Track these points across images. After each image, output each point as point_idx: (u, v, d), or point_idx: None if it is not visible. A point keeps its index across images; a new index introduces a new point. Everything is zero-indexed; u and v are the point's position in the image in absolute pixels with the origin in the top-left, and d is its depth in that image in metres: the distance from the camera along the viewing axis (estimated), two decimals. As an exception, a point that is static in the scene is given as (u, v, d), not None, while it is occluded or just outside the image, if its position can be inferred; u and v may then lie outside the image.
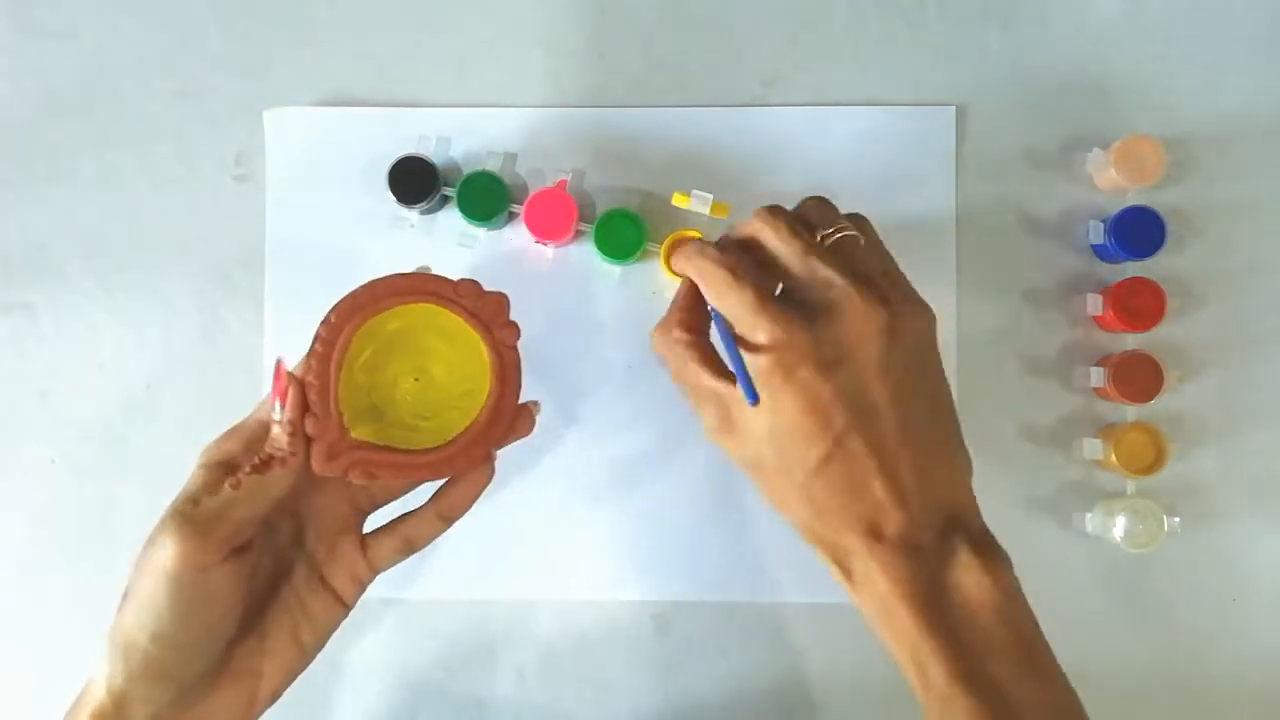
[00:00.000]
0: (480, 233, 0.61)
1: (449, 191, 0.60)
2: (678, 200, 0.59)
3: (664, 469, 0.61)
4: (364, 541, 0.47)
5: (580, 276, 0.62)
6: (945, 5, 0.63)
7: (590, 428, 0.61)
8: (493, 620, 0.61)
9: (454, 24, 0.63)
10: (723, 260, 0.46)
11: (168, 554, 0.41)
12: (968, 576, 0.43)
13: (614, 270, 0.61)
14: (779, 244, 0.46)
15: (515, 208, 0.60)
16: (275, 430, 0.43)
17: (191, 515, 0.41)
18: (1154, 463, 0.59)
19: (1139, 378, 0.59)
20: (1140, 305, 0.59)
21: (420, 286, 0.47)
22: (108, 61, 0.63)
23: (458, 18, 0.63)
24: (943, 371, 0.48)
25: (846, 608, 0.46)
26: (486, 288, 0.48)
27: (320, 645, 0.46)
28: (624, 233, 0.59)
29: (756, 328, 0.44)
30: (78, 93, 0.63)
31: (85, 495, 0.62)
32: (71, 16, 0.63)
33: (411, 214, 0.61)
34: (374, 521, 0.49)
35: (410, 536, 0.47)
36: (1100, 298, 0.60)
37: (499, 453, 0.48)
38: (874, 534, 0.43)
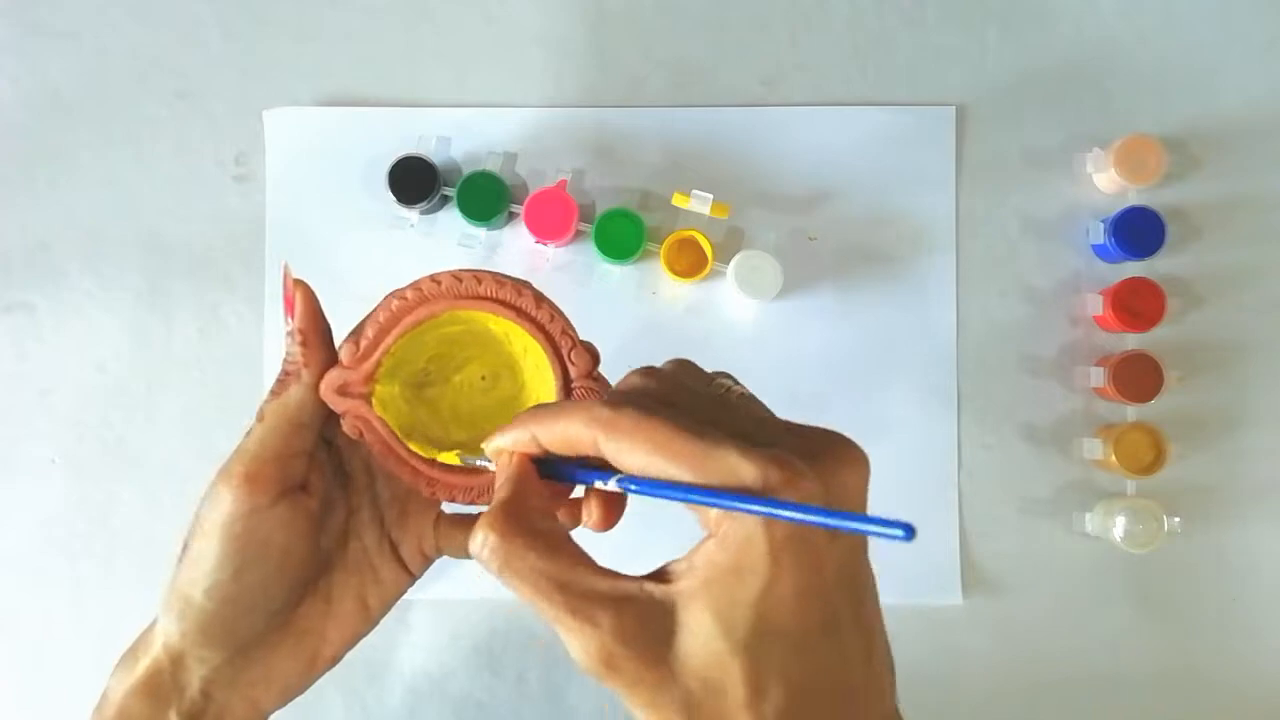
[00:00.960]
0: (480, 233, 0.61)
1: (449, 191, 0.60)
2: (678, 200, 0.59)
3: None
4: (440, 519, 0.44)
5: (580, 276, 0.62)
6: (945, 5, 0.63)
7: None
8: (493, 620, 0.61)
9: (454, 24, 0.63)
10: (646, 408, 0.32)
11: (218, 504, 0.39)
12: None
13: (614, 270, 0.61)
14: (689, 400, 0.34)
15: (515, 208, 0.60)
16: (287, 342, 0.41)
17: (233, 462, 0.39)
18: (1154, 463, 0.59)
19: (1139, 378, 0.59)
20: (1140, 305, 0.59)
21: (550, 332, 0.41)
22: (108, 61, 0.63)
23: (458, 18, 0.63)
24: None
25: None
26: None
27: (384, 612, 0.43)
28: (624, 233, 0.59)
29: (741, 481, 0.30)
30: (78, 93, 0.63)
31: (85, 495, 0.62)
32: (71, 16, 0.63)
33: (411, 214, 0.61)
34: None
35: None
36: (1100, 298, 0.60)
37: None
38: None
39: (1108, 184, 0.61)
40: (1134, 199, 0.60)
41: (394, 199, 0.60)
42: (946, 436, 0.61)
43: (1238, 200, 0.62)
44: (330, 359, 0.40)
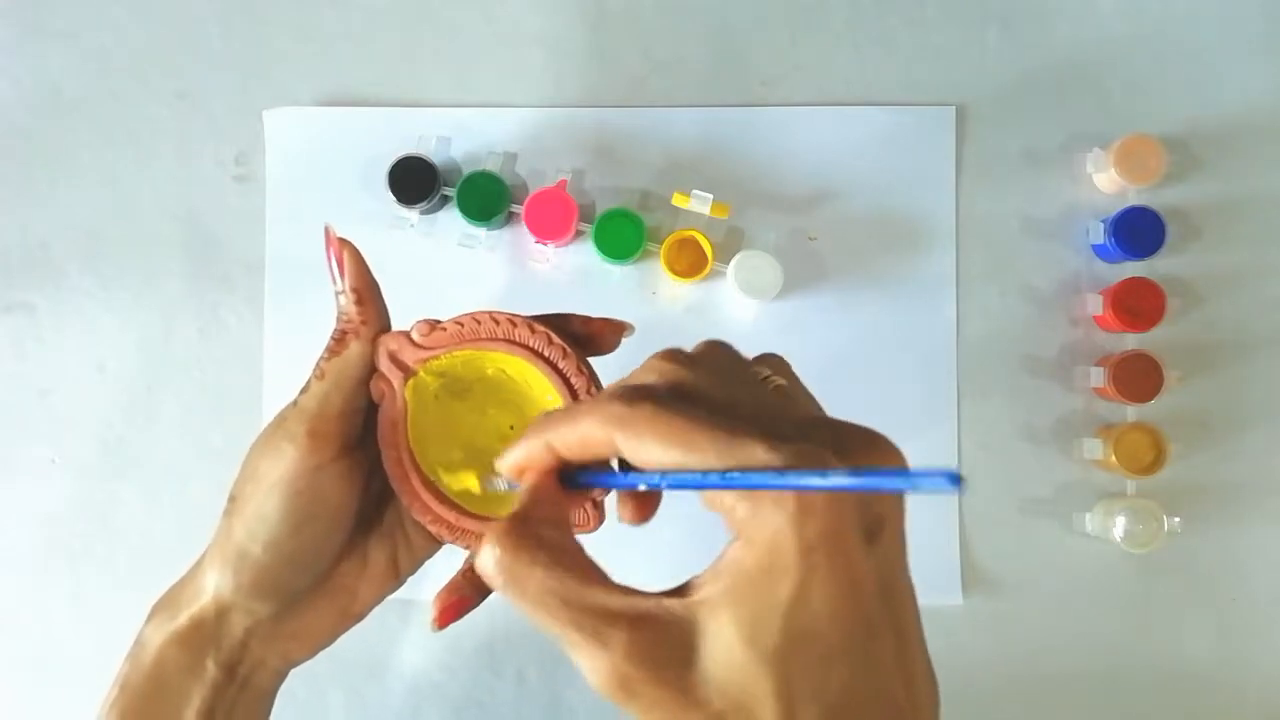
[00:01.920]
0: (480, 233, 0.61)
1: (449, 191, 0.60)
2: (678, 200, 0.59)
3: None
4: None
5: (580, 276, 0.62)
6: (945, 5, 0.63)
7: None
8: (493, 620, 0.61)
9: (454, 24, 0.63)
10: (689, 414, 0.29)
11: (280, 460, 0.39)
12: None
13: (614, 270, 0.61)
14: (719, 391, 0.32)
15: (515, 208, 0.60)
16: (341, 301, 0.40)
17: (293, 417, 0.39)
18: (1154, 463, 0.59)
19: (1139, 378, 0.59)
20: (1140, 305, 0.59)
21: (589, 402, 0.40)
22: (108, 61, 0.63)
23: (458, 18, 0.63)
24: None
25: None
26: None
27: (412, 573, 0.44)
28: (624, 233, 0.59)
29: (762, 464, 0.28)
30: (78, 93, 0.63)
31: (85, 495, 0.62)
32: (71, 16, 0.63)
33: (411, 214, 0.61)
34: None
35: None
36: (1100, 298, 0.60)
37: None
38: None
39: (1108, 184, 0.61)
40: (1134, 199, 0.60)
41: (394, 199, 0.60)
42: (946, 436, 0.61)
43: (1238, 200, 0.62)
44: (385, 313, 0.41)
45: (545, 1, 0.63)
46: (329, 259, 0.41)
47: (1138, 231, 0.59)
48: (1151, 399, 0.59)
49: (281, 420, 0.40)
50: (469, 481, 0.41)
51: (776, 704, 0.27)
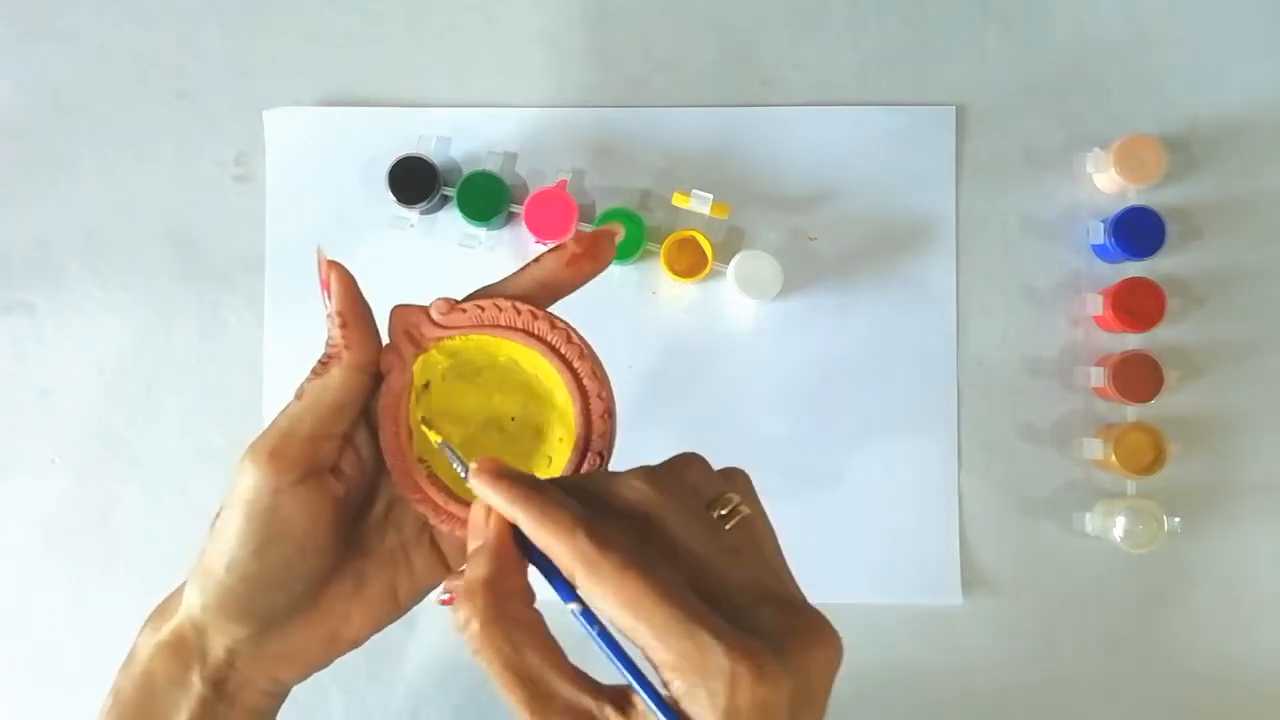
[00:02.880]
0: (480, 233, 0.61)
1: (449, 191, 0.60)
2: (678, 200, 0.59)
3: (664, 469, 0.61)
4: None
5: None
6: (945, 5, 0.63)
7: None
8: (493, 620, 0.61)
9: (454, 24, 0.63)
10: (633, 561, 0.32)
11: (242, 479, 0.38)
12: None
13: (614, 270, 0.61)
14: (682, 532, 0.34)
15: (515, 208, 0.60)
16: (328, 324, 0.40)
17: (263, 438, 0.39)
18: (1154, 463, 0.59)
19: (1139, 378, 0.59)
20: (1140, 305, 0.59)
21: (580, 371, 0.40)
22: (108, 61, 0.63)
23: (458, 18, 0.63)
24: None
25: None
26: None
27: (413, 604, 0.43)
28: (624, 233, 0.59)
29: (709, 666, 0.31)
30: (78, 93, 0.63)
31: (85, 495, 0.62)
32: (71, 16, 0.63)
33: (411, 214, 0.61)
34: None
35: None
36: (1100, 298, 0.60)
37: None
38: None
39: (1108, 184, 0.61)
40: (1134, 199, 0.60)
41: (394, 199, 0.60)
42: (946, 436, 0.61)
43: (1238, 200, 0.62)
44: (372, 338, 0.40)
45: (545, 1, 0.63)
46: (320, 282, 0.40)
47: (1138, 231, 0.59)
48: (1151, 399, 0.59)
49: (253, 441, 0.39)
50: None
51: None
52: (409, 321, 0.40)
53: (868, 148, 0.62)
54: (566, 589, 0.33)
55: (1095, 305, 0.60)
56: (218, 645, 0.40)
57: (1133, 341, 0.60)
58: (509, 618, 0.33)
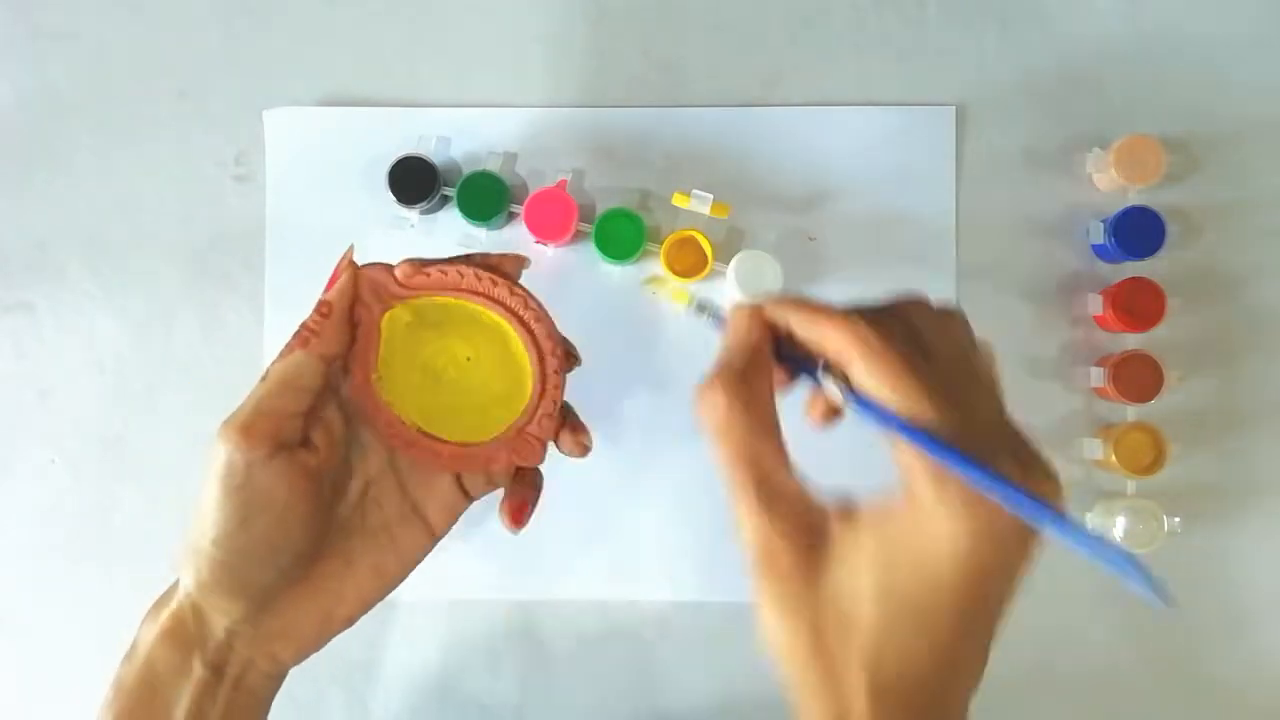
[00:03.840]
0: (480, 233, 0.61)
1: (449, 191, 0.60)
2: (678, 200, 0.59)
3: (664, 469, 0.61)
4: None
5: (580, 276, 0.62)
6: (945, 5, 0.63)
7: (590, 429, 0.61)
8: (493, 620, 0.61)
9: (454, 24, 0.63)
10: (909, 350, 0.33)
11: (215, 457, 0.40)
12: None
13: (614, 270, 0.61)
14: (939, 343, 0.35)
15: (515, 208, 0.60)
16: (313, 309, 0.43)
17: (232, 416, 0.41)
18: (1154, 463, 0.59)
19: (1139, 378, 0.59)
20: (1140, 305, 0.59)
21: (501, 299, 0.44)
22: (108, 61, 0.63)
23: (458, 18, 0.63)
24: None
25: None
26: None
27: (402, 577, 0.45)
28: (624, 233, 0.59)
29: (1002, 516, 0.31)
30: (78, 93, 0.63)
31: (85, 495, 0.62)
32: (71, 16, 0.63)
33: (411, 214, 0.61)
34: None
35: (492, 470, 0.46)
36: (1100, 298, 0.60)
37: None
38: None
39: (1108, 184, 0.61)
40: (1134, 199, 0.60)
41: (394, 199, 0.60)
42: (946, 436, 0.61)
43: (1238, 200, 0.62)
44: (344, 337, 0.43)
45: (545, 1, 0.63)
46: (333, 271, 0.44)
47: (1138, 231, 0.59)
48: (1151, 399, 0.59)
49: (224, 420, 0.41)
50: (424, 405, 0.45)
51: (872, 646, 0.32)
52: (375, 281, 0.43)
53: (868, 148, 0.62)
54: (844, 387, 0.34)
55: (1095, 305, 0.60)
56: (216, 625, 0.42)
57: (1133, 341, 0.60)
58: (753, 403, 0.34)
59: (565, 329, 0.45)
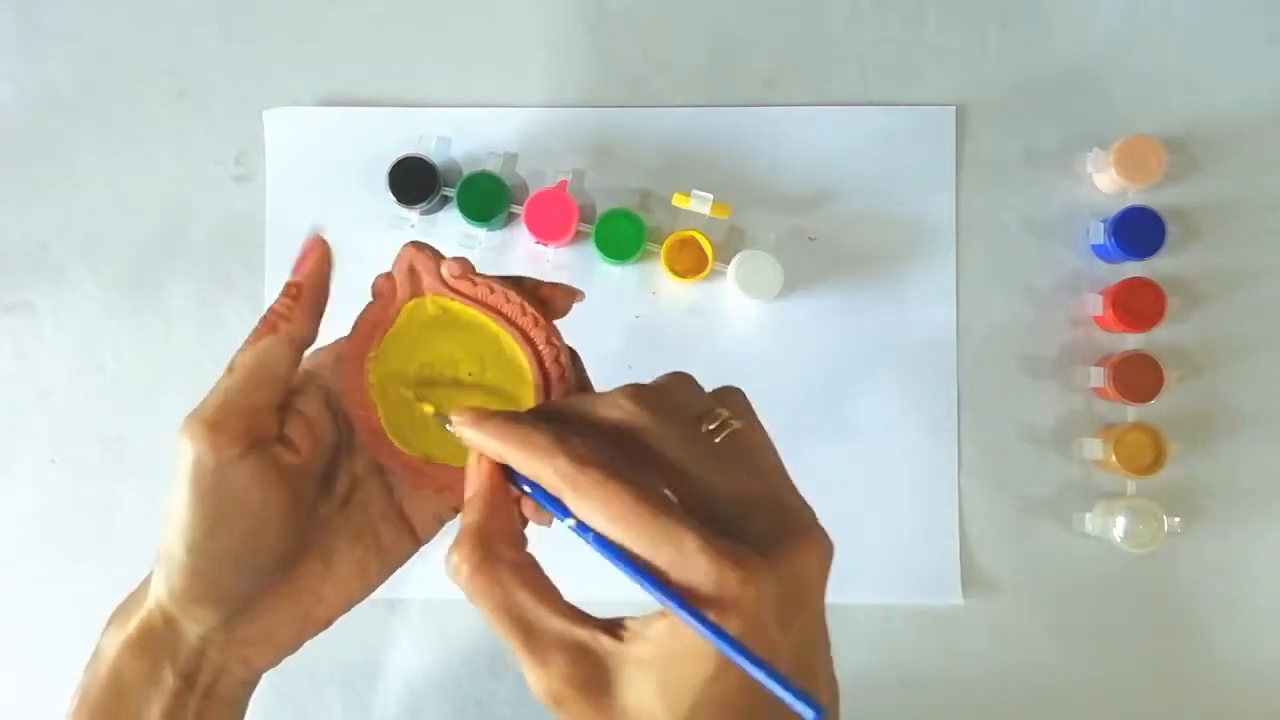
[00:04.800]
0: (480, 233, 0.61)
1: (449, 192, 0.60)
2: (678, 200, 0.59)
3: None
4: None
5: (580, 276, 0.62)
6: (945, 5, 0.63)
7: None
8: (493, 620, 0.61)
9: (454, 24, 0.63)
10: (612, 475, 0.32)
11: (182, 457, 0.38)
12: None
13: (614, 270, 0.61)
14: (667, 444, 0.34)
15: (515, 208, 0.60)
16: (280, 294, 0.40)
17: (197, 411, 0.38)
18: (1154, 463, 0.59)
19: (1139, 378, 0.59)
20: (1140, 305, 0.59)
21: (510, 316, 0.41)
22: (108, 61, 0.63)
23: (458, 18, 0.63)
24: None
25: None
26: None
27: (384, 579, 0.43)
28: (624, 233, 0.59)
29: (695, 571, 0.31)
30: (78, 93, 0.63)
31: (85, 495, 0.62)
32: (71, 16, 0.63)
33: (411, 214, 0.61)
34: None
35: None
36: (1100, 298, 0.60)
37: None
38: None
39: (1108, 184, 0.61)
40: (1134, 199, 0.60)
41: (394, 199, 0.60)
42: (946, 436, 0.61)
43: (1238, 200, 0.62)
44: (315, 321, 0.40)
45: (545, 1, 0.63)
46: (301, 251, 0.41)
47: (1138, 231, 0.59)
48: (1151, 399, 0.59)
49: (188, 415, 0.38)
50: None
51: None
52: (418, 263, 0.40)
53: (868, 148, 0.62)
54: (560, 507, 0.34)
55: (1095, 305, 0.60)
56: (189, 633, 0.39)
57: (1133, 341, 0.60)
58: (497, 560, 0.34)
59: (564, 331, 0.43)
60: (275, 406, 0.39)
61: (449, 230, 0.61)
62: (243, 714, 0.42)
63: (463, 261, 0.40)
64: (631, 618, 0.33)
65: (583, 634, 0.33)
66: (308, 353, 0.41)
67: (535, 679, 0.33)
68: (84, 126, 0.63)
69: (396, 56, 0.63)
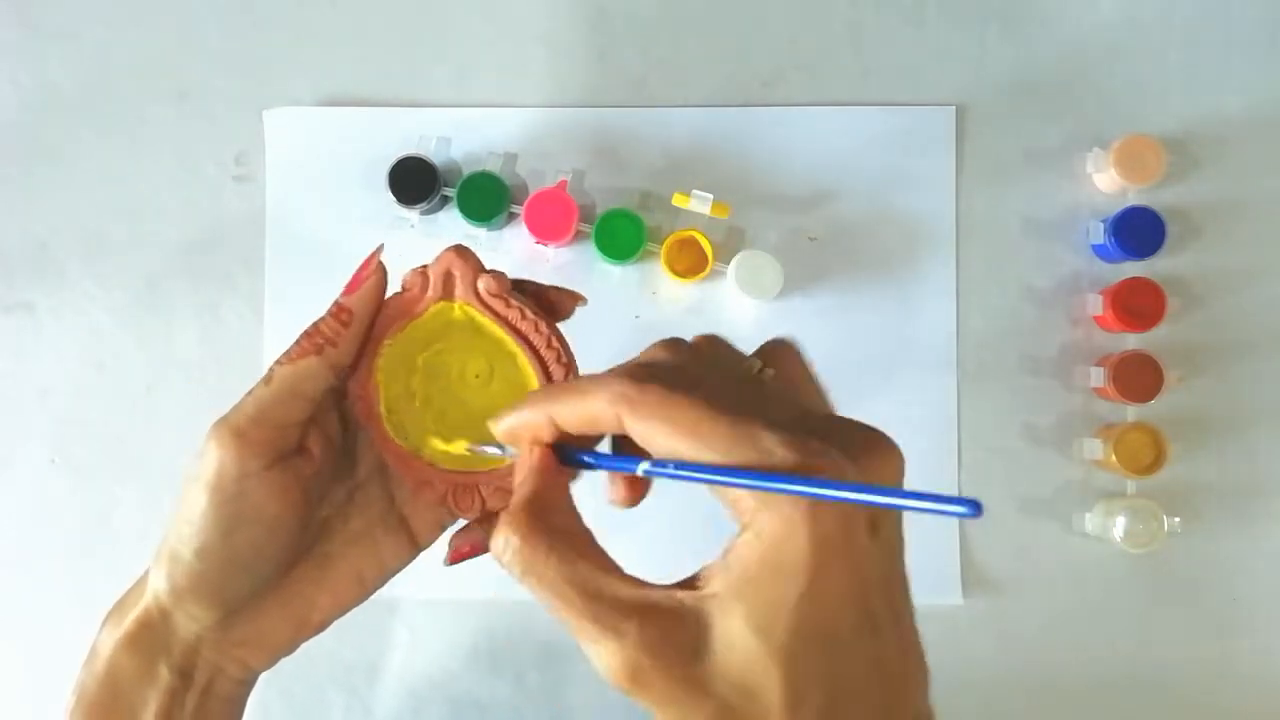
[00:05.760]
0: (480, 233, 0.61)
1: (449, 192, 0.60)
2: (678, 200, 0.59)
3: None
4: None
5: (580, 276, 0.62)
6: (945, 5, 0.63)
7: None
8: (493, 620, 0.61)
9: (454, 24, 0.63)
10: (708, 405, 0.30)
11: (206, 462, 0.37)
12: None
13: (614, 270, 0.61)
14: (713, 377, 0.33)
15: (515, 208, 0.60)
16: (327, 313, 0.39)
17: (228, 418, 0.38)
18: (1154, 463, 0.59)
19: (1139, 378, 0.59)
20: (1140, 305, 0.59)
21: (520, 330, 0.40)
22: (108, 61, 0.63)
23: (458, 18, 0.63)
24: None
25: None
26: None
27: (380, 585, 0.42)
28: (624, 233, 0.59)
29: (780, 466, 0.28)
30: (78, 93, 0.63)
31: (85, 495, 0.62)
32: (71, 16, 0.63)
33: (411, 214, 0.61)
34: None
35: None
36: (1100, 298, 0.60)
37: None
38: None
39: (1108, 184, 0.61)
40: (1134, 199, 0.60)
41: (394, 199, 0.60)
42: (946, 436, 0.61)
43: (1238, 200, 0.62)
44: (358, 347, 0.39)
45: (545, 1, 0.63)
46: (357, 271, 0.40)
47: (1138, 231, 0.59)
48: (1151, 399, 0.59)
49: (219, 420, 0.38)
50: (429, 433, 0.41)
51: (785, 692, 0.28)
52: (457, 268, 0.40)
53: (868, 148, 0.62)
54: (627, 459, 0.31)
55: (1095, 305, 0.60)
56: (185, 631, 0.40)
57: (1133, 341, 0.60)
58: (551, 529, 0.31)
59: (564, 331, 0.43)
60: (303, 422, 0.39)
61: (449, 230, 0.61)
62: (240, 713, 0.42)
63: (500, 279, 0.39)
64: (703, 566, 0.30)
65: (657, 595, 0.30)
66: None
67: (608, 655, 0.29)
68: (84, 126, 0.63)
69: (396, 56, 0.63)
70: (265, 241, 0.62)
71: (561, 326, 0.41)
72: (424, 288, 0.40)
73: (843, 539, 0.28)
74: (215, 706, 0.41)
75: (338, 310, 0.39)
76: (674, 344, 0.34)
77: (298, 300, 0.62)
